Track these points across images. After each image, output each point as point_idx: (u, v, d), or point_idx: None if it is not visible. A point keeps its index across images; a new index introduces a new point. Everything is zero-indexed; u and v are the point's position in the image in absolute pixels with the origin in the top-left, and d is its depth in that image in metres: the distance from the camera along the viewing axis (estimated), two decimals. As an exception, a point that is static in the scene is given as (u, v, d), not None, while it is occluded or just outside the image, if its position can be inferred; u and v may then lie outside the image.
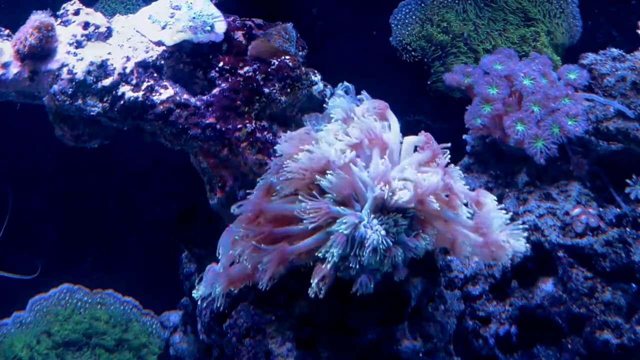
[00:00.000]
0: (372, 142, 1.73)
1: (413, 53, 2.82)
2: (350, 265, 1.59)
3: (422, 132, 1.80)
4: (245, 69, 1.95)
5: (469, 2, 2.80)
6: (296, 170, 1.64)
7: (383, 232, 1.57)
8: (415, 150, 1.80)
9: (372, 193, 1.63)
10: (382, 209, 1.63)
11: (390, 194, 1.61)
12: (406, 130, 1.86)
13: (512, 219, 2.24)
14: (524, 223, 2.21)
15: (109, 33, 2.00)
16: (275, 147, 1.77)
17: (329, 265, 1.57)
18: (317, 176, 1.62)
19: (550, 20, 2.81)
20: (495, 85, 2.28)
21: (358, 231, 1.57)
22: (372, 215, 1.60)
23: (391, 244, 1.57)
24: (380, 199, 1.61)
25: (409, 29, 2.80)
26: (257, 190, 1.73)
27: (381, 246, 1.56)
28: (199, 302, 1.92)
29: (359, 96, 2.23)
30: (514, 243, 1.71)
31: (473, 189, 1.78)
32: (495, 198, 1.76)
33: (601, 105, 2.29)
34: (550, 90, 2.27)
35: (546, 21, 2.82)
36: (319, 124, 1.98)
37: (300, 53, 2.09)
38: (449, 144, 1.78)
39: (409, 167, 1.70)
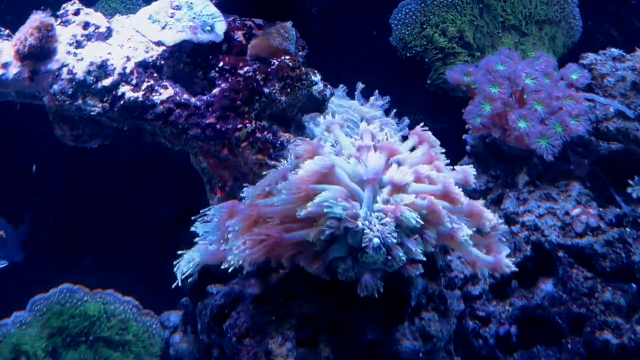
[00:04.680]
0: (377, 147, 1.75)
1: (413, 53, 2.82)
2: (349, 264, 1.59)
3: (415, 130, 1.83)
4: (245, 69, 1.95)
5: (470, 3, 2.80)
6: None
7: (385, 230, 1.57)
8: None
9: (373, 191, 1.63)
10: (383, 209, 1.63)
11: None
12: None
13: (511, 220, 2.27)
14: (524, 224, 2.24)
15: (109, 33, 2.00)
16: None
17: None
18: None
19: (549, 27, 2.81)
20: (498, 84, 2.28)
21: (357, 228, 1.58)
22: (372, 214, 1.60)
23: (394, 242, 1.58)
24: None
25: (409, 29, 2.80)
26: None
27: (384, 245, 1.56)
28: (199, 304, 1.92)
29: (373, 97, 2.24)
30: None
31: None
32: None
33: (601, 105, 2.29)
34: (553, 90, 2.27)
35: (545, 25, 2.82)
36: (319, 124, 1.98)
37: (300, 53, 2.09)
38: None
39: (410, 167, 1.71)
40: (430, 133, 1.86)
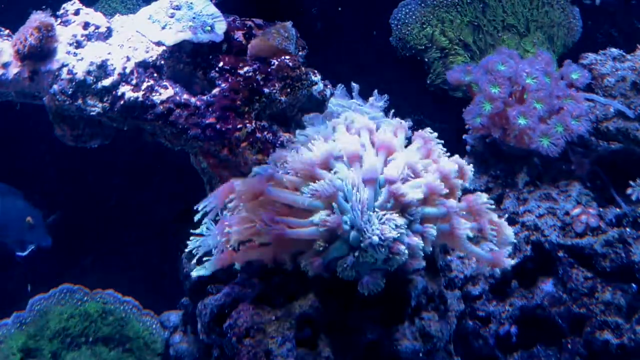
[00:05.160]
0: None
1: (413, 53, 2.82)
2: (350, 263, 1.60)
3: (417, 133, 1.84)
4: (245, 69, 1.95)
5: (470, 3, 2.80)
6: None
7: (386, 229, 1.58)
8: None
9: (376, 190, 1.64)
10: (383, 207, 1.63)
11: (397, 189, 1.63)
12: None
13: (511, 220, 2.27)
14: (524, 224, 2.24)
15: (109, 33, 2.00)
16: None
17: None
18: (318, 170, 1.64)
19: (549, 27, 2.81)
20: (498, 84, 2.28)
21: (357, 227, 1.58)
22: (372, 213, 1.60)
23: (393, 241, 1.58)
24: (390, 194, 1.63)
25: (409, 28, 2.80)
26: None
27: (384, 243, 1.57)
28: (199, 304, 1.92)
29: (373, 97, 2.24)
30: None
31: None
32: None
33: (601, 105, 2.29)
34: (553, 90, 2.27)
35: (546, 25, 2.82)
36: (320, 124, 1.98)
37: (300, 53, 2.09)
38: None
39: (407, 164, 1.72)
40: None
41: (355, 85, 2.25)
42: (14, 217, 2.35)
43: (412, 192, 1.65)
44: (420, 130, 1.86)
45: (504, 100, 2.26)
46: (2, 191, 2.39)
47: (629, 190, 2.19)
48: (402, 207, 1.64)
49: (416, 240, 1.62)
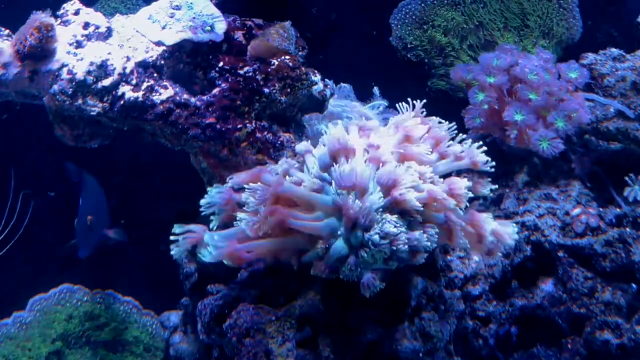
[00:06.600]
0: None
1: (413, 53, 2.82)
2: (351, 263, 1.60)
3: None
4: (245, 69, 1.95)
5: (470, 3, 2.80)
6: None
7: (387, 227, 1.58)
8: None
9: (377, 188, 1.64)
10: (385, 208, 1.63)
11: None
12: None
13: (511, 219, 2.27)
14: (524, 224, 2.24)
15: (109, 33, 2.00)
16: None
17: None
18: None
19: (549, 27, 2.81)
20: (493, 74, 2.28)
21: (358, 228, 1.58)
22: (373, 213, 1.61)
23: (394, 239, 1.58)
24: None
25: (409, 29, 2.80)
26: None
27: (385, 241, 1.57)
28: (199, 304, 1.92)
29: (379, 103, 2.24)
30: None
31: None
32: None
33: (601, 105, 2.29)
34: (552, 85, 2.27)
35: (545, 24, 2.82)
36: (319, 124, 1.99)
37: (300, 53, 2.09)
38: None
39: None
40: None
41: (346, 86, 2.25)
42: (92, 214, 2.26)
43: (414, 197, 1.65)
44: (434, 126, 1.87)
45: (498, 89, 2.25)
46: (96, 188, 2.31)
47: (626, 191, 2.18)
48: (403, 210, 1.64)
49: (416, 236, 1.63)
